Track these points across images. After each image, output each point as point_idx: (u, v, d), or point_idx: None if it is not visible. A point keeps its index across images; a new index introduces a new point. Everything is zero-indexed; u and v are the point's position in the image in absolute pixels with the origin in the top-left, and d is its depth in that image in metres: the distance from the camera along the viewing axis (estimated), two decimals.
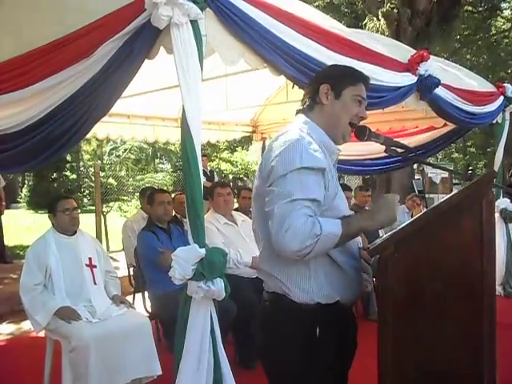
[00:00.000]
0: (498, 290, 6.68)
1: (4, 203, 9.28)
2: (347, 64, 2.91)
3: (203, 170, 10.32)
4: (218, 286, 2.90)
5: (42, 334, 4.05)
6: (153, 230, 4.78)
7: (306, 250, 1.85)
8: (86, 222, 8.36)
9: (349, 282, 2.08)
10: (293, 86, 3.88)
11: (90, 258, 4.12)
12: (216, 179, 11.51)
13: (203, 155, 13.74)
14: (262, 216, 2.08)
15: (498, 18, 20.19)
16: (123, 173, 19.59)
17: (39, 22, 3.43)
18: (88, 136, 5.63)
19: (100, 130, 7.13)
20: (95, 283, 4.06)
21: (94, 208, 10.87)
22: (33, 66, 3.35)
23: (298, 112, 2.25)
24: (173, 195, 5.95)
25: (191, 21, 2.83)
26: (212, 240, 4.45)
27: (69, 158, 22.83)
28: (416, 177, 13.63)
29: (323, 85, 2.15)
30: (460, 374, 1.84)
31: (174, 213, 5.33)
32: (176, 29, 2.81)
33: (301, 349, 2.02)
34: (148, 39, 2.98)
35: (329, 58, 3.70)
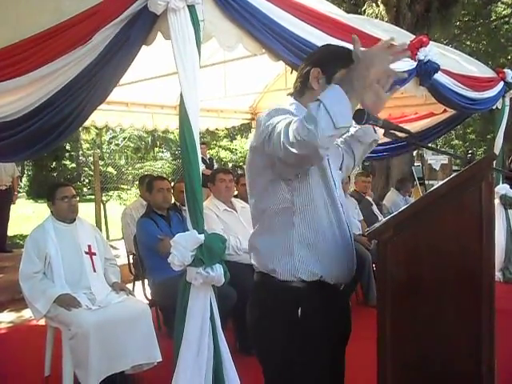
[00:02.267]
0: (498, 275, 6.70)
1: (16, 193, 9.35)
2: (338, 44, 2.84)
3: (202, 158, 10.33)
4: (218, 272, 2.91)
5: (42, 321, 4.07)
6: (152, 217, 4.78)
7: (319, 115, 1.67)
8: (86, 210, 8.38)
9: (335, 260, 2.05)
10: (291, 72, 3.86)
11: (89, 246, 4.12)
12: (215, 167, 11.45)
13: (202, 143, 13.59)
14: (252, 189, 2.13)
15: (499, 4, 20.05)
16: (122, 161, 19.65)
17: (35, 10, 3.40)
18: (87, 124, 5.64)
19: (99, 118, 7.14)
20: (95, 270, 4.06)
21: (93, 197, 10.88)
22: (29, 54, 3.33)
23: (288, 94, 2.22)
24: (172, 183, 5.94)
25: (188, 6, 2.82)
26: (211, 227, 4.45)
27: (68, 147, 22.80)
28: (416, 164, 13.61)
29: (314, 69, 2.09)
30: (459, 359, 1.84)
31: (173, 200, 5.33)
32: (173, 14, 2.79)
33: (285, 327, 2.03)
34: (145, 25, 2.96)
35: (328, 43, 3.67)
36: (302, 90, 2.15)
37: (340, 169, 2.36)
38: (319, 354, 2.04)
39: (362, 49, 1.85)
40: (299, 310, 2.02)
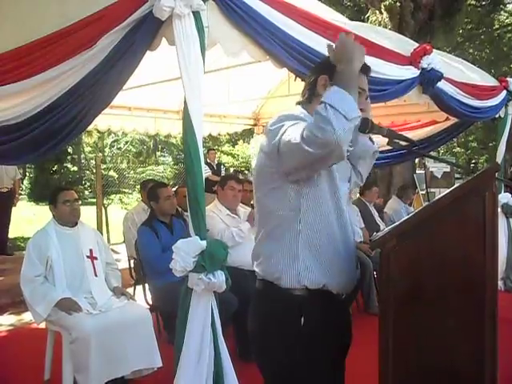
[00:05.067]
0: (499, 284, 6.67)
1: (17, 195, 9.34)
2: None
3: (210, 164, 10.30)
4: (219, 279, 2.91)
5: (42, 325, 4.06)
6: (153, 226, 4.73)
7: (328, 118, 1.71)
8: (87, 214, 8.36)
9: (338, 268, 2.06)
10: (295, 79, 3.87)
11: (90, 250, 4.11)
12: (223, 173, 11.26)
13: (211, 149, 13.42)
14: (259, 192, 2.13)
15: (502, 13, 20.10)
16: (124, 165, 19.68)
17: (41, 14, 3.42)
18: (89, 128, 5.62)
19: (101, 121, 7.15)
20: (96, 275, 4.06)
21: (94, 200, 10.89)
22: (34, 58, 3.33)
23: (297, 104, 2.22)
24: (174, 188, 5.93)
25: (193, 12, 2.83)
26: (214, 226, 4.50)
27: (70, 150, 22.82)
28: (418, 171, 13.57)
29: (321, 76, 2.11)
30: (461, 368, 1.83)
31: None
32: (178, 20, 2.80)
33: (287, 337, 2.03)
34: (150, 30, 2.97)
35: None
36: (309, 98, 2.16)
37: (348, 181, 2.35)
38: (321, 364, 2.03)
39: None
40: (302, 319, 2.01)
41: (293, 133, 1.85)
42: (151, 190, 5.02)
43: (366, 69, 2.14)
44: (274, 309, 2.08)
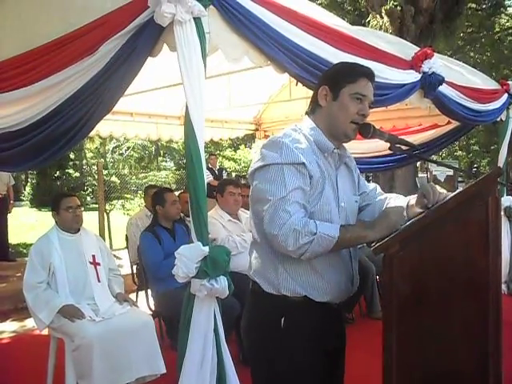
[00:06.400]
0: (502, 288, 6.66)
1: (12, 202, 9.32)
2: (350, 61, 2.87)
3: (211, 169, 10.31)
4: (222, 284, 2.90)
5: (45, 331, 4.05)
6: (155, 232, 4.73)
7: (301, 250, 1.90)
8: (89, 220, 8.37)
9: (323, 283, 2.07)
10: (296, 84, 3.87)
11: (93, 256, 4.11)
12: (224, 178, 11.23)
13: (212, 154, 13.41)
14: (251, 209, 2.16)
15: (502, 16, 20.12)
16: (126, 171, 19.71)
17: (43, 20, 3.43)
18: (91, 134, 5.63)
19: (103, 127, 7.15)
20: (99, 281, 4.06)
21: (97, 206, 10.88)
22: (36, 64, 3.34)
23: (305, 114, 2.26)
24: (176, 193, 5.94)
25: (194, 18, 2.83)
26: (216, 233, 4.50)
27: (72, 156, 22.86)
28: (420, 175, 13.58)
29: (322, 87, 2.15)
30: (465, 372, 1.83)
31: None
32: (179, 26, 2.80)
33: (270, 337, 2.07)
34: (151, 37, 2.97)
35: (333, 55, 3.68)
36: (314, 108, 2.20)
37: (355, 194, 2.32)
38: (305, 365, 2.05)
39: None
40: (282, 320, 2.05)
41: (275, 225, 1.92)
42: (157, 194, 5.03)
43: (371, 75, 2.18)
44: (257, 308, 2.16)
